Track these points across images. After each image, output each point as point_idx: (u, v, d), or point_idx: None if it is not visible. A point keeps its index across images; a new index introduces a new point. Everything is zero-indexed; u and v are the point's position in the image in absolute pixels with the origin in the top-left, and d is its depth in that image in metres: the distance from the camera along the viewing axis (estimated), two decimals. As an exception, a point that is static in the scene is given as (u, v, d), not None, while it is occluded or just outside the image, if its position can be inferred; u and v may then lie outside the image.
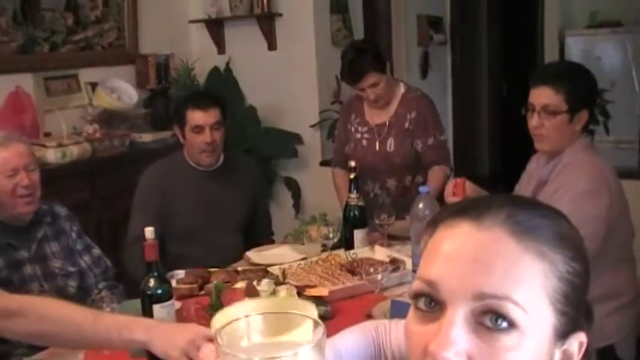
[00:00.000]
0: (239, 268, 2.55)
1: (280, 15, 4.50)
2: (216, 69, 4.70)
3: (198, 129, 2.88)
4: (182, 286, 2.35)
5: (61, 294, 2.40)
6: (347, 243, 2.71)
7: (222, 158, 3.02)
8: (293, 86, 4.53)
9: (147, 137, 4.13)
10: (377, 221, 2.80)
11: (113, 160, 3.90)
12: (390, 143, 3.12)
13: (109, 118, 4.13)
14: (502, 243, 0.81)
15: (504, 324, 0.79)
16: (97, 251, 2.61)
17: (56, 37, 3.99)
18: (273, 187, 4.76)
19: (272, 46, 4.58)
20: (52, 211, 2.52)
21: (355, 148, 3.20)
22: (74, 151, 3.64)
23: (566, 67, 2.49)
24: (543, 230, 0.83)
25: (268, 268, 2.47)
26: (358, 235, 2.70)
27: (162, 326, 1.58)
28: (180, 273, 2.52)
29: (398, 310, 1.97)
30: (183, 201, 2.92)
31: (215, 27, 4.72)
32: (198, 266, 2.58)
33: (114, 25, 4.31)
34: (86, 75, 4.19)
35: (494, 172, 7.08)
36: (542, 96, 2.18)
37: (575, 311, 0.83)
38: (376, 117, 3.17)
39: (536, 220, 0.83)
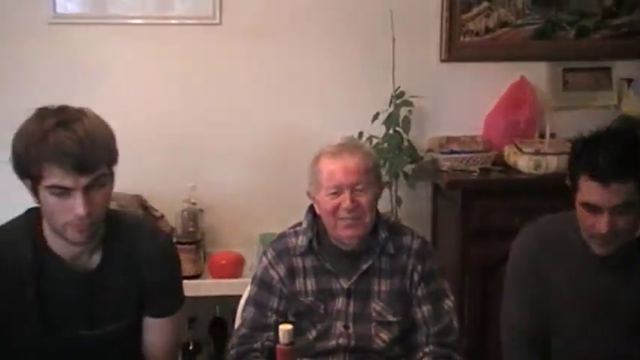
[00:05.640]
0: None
1: None
2: None
3: (589, 208, 1.81)
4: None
5: (367, 342, 1.99)
6: None
7: None
8: None
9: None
10: None
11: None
12: None
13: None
14: None
15: None
16: (449, 304, 2.05)
17: (586, 20, 3.29)
18: None
19: None
20: (399, 242, 2.06)
21: None
22: (552, 163, 2.98)
23: None
24: None
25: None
26: None
27: None
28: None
29: None
30: (564, 290, 1.97)
31: None
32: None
33: (676, 8, 3.32)
34: (624, 69, 3.38)
35: None
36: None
37: None
38: None
39: None
